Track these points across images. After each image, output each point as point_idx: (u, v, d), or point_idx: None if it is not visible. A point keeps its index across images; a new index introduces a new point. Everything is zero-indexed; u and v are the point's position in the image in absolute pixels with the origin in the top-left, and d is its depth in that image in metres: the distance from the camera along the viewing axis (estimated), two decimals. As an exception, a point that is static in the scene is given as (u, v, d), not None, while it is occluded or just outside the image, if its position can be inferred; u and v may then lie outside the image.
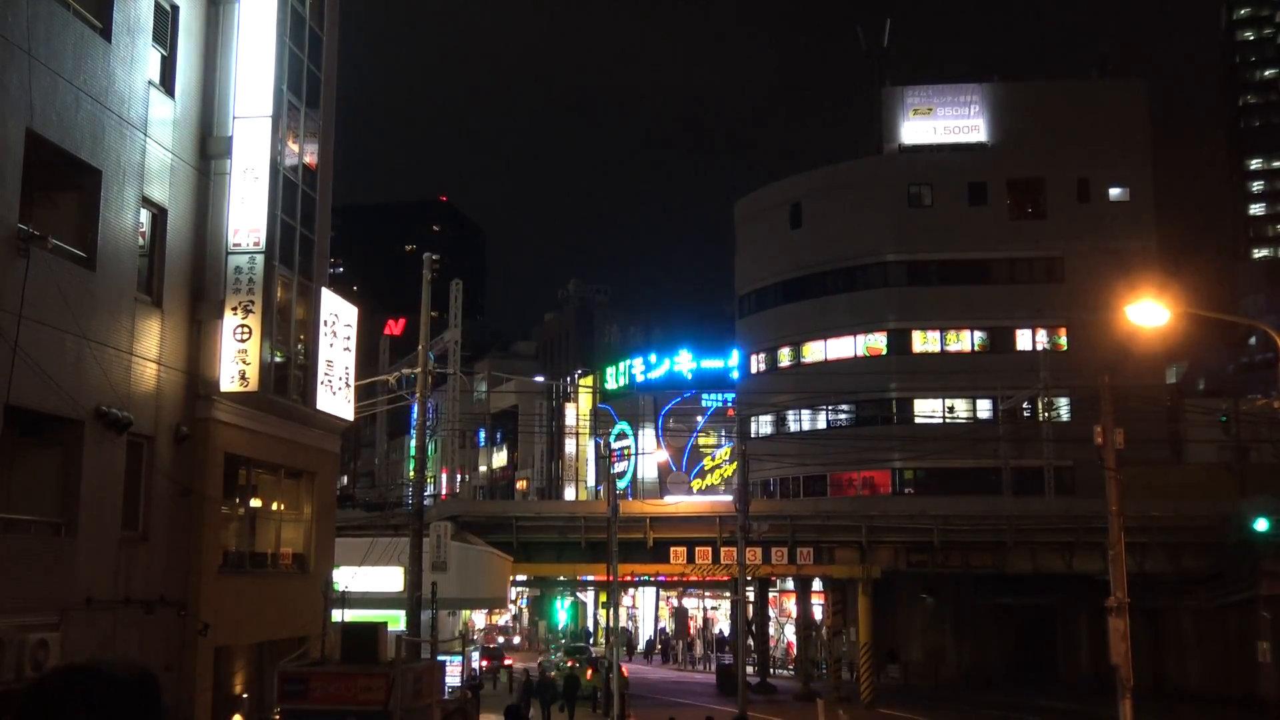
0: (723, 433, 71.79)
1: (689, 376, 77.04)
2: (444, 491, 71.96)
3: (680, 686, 49.48)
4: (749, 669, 42.78)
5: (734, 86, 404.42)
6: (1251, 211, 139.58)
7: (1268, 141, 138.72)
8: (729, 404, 70.81)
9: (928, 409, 57.62)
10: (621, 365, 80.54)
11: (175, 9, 18.65)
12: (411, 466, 36.92)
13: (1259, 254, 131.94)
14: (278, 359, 19.60)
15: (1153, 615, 45.22)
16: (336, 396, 22.26)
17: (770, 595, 58.92)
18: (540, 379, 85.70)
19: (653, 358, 78.94)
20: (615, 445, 70.04)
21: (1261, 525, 33.04)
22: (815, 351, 60.72)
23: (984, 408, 56.69)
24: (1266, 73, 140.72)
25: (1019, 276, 57.73)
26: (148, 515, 17.61)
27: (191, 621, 17.97)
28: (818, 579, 52.39)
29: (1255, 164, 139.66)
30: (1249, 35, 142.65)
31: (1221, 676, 43.72)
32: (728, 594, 57.38)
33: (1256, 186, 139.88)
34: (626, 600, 70.46)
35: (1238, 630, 42.70)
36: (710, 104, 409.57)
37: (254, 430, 19.92)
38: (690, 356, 77.99)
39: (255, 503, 21.16)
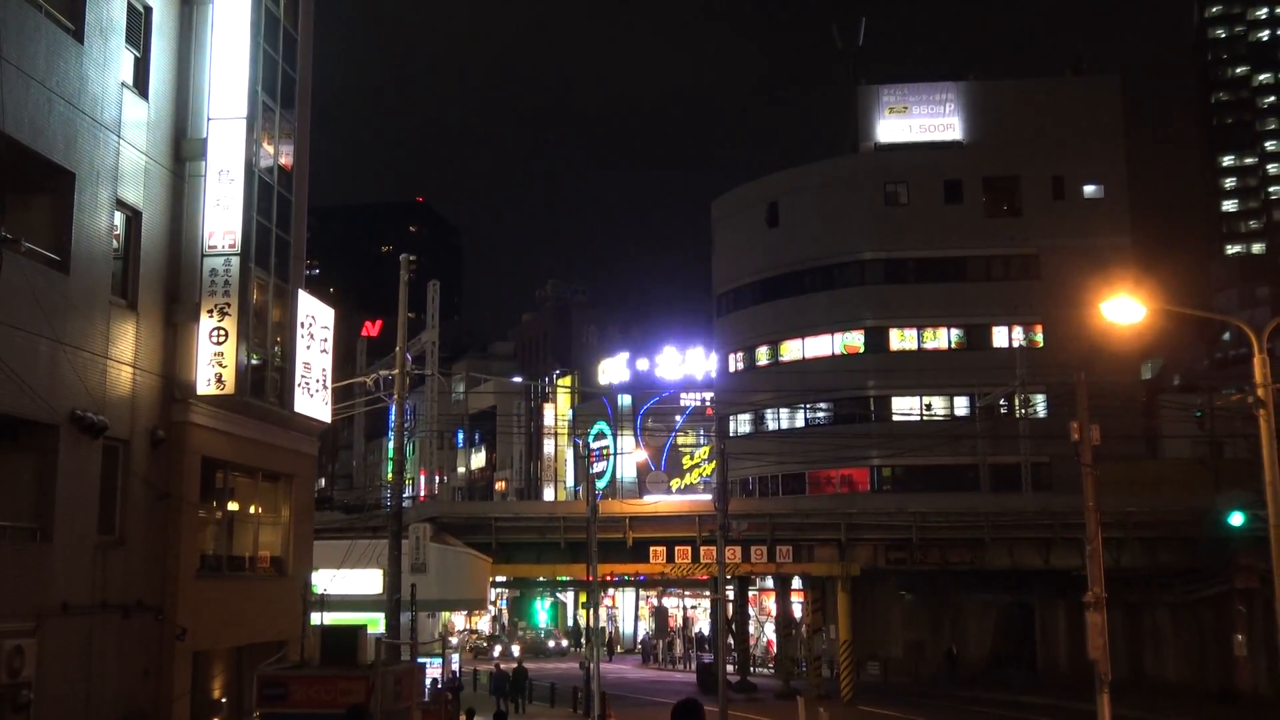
0: (701, 432, 71.84)
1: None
2: (422, 493, 71.83)
3: (660, 686, 49.51)
4: (729, 668, 42.81)
5: (710, 85, 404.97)
6: (1224, 208, 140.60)
7: (1240, 138, 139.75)
8: (707, 403, 70.87)
9: (905, 406, 57.85)
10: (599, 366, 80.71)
11: (149, 10, 18.54)
12: (390, 468, 36.85)
13: (1232, 250, 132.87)
14: (254, 361, 19.51)
15: (1130, 610, 45.50)
16: (314, 399, 22.17)
17: (750, 594, 58.95)
18: (518, 379, 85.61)
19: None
20: (594, 445, 70.03)
21: (1236, 519, 33.25)
22: (793, 350, 60.86)
23: (961, 405, 56.94)
24: (1238, 70, 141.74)
25: (995, 274, 58.02)
26: (124, 519, 17.50)
27: (169, 626, 17.87)
28: (797, 577, 52.49)
29: (1228, 160, 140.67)
30: (1220, 33, 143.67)
31: (1198, 670, 44.04)
32: (707, 593, 57.44)
33: (1229, 183, 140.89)
34: (606, 600, 70.45)
35: (1214, 624, 43.03)
36: (686, 103, 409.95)
37: (231, 433, 19.82)
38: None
39: (233, 506, 21.06)
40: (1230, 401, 32.33)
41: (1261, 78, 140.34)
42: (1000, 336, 57.30)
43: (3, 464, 15.66)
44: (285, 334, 21.00)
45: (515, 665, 42.13)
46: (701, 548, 43.62)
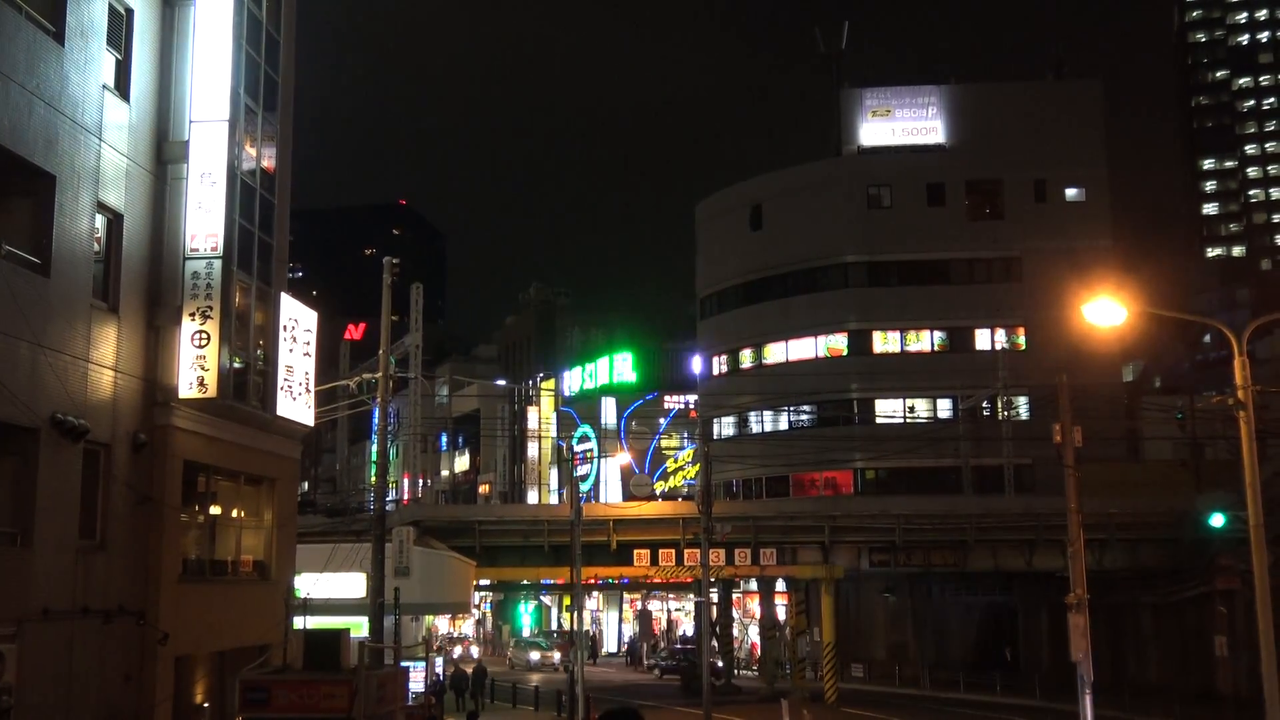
0: (685, 434, 71.83)
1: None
2: (406, 496, 71.52)
3: (644, 688, 49.46)
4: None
5: (693, 89, 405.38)
6: (1205, 211, 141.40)
7: (1220, 142, 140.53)
8: (691, 406, 70.86)
9: (889, 409, 57.94)
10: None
11: (130, 12, 18.46)
12: (373, 472, 36.74)
13: (1213, 253, 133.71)
14: (236, 365, 19.43)
15: (1112, 611, 45.64)
16: (296, 402, 22.09)
17: (734, 596, 58.98)
18: (502, 382, 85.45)
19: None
20: (578, 448, 69.92)
21: (1217, 520, 33.37)
22: (776, 353, 60.92)
23: (944, 407, 57.07)
24: (1218, 74, 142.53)
25: (977, 277, 58.19)
26: (105, 524, 17.41)
27: (151, 631, 17.79)
28: (781, 579, 52.51)
29: (1208, 164, 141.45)
30: (1201, 37, 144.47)
31: (1180, 670, 44.17)
32: (691, 596, 57.42)
33: (1209, 186, 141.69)
34: (591, 604, 70.32)
35: (1195, 625, 43.16)
36: (671, 106, 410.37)
37: (213, 437, 19.74)
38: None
39: (215, 510, 20.96)
40: (1211, 403, 32.46)
41: (1241, 81, 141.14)
42: (983, 339, 57.47)
43: (-17, 468, 15.57)
44: (268, 337, 20.92)
45: (475, 664, 42.69)
46: (686, 550, 43.63)
